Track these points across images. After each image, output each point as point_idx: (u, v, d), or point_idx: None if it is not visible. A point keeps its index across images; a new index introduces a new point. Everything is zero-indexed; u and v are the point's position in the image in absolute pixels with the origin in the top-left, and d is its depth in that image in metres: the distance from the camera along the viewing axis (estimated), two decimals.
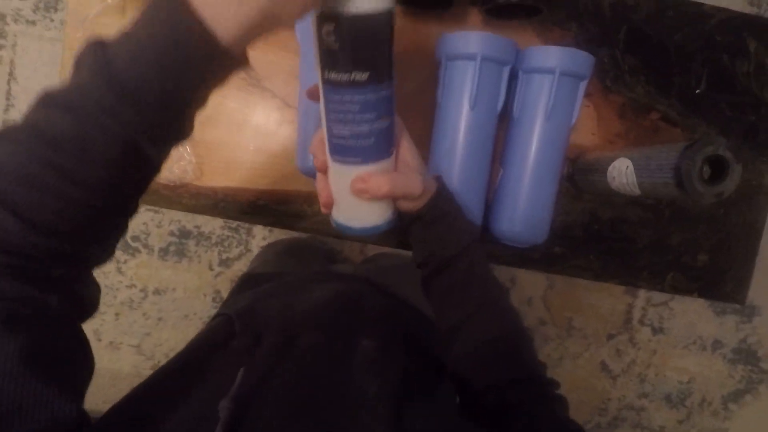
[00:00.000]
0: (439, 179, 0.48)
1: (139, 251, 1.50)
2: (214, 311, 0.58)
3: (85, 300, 0.32)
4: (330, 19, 0.30)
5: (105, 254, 0.33)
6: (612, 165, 0.54)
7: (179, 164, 0.66)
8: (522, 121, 0.57)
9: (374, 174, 0.39)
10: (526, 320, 1.57)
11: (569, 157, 0.65)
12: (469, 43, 0.53)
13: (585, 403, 1.61)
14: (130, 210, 0.33)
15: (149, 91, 0.26)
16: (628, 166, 0.51)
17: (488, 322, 0.44)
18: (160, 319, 1.54)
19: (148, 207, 1.49)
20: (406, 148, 0.42)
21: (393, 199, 0.43)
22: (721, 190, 0.44)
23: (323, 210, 0.45)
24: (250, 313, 0.45)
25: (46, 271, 0.28)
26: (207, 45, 0.26)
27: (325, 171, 0.42)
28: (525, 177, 0.57)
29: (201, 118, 0.34)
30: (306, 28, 0.56)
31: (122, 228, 0.33)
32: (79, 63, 0.27)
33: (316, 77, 0.36)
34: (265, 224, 0.68)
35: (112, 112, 0.26)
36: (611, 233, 0.69)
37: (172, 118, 0.29)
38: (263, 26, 0.27)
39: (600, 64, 0.65)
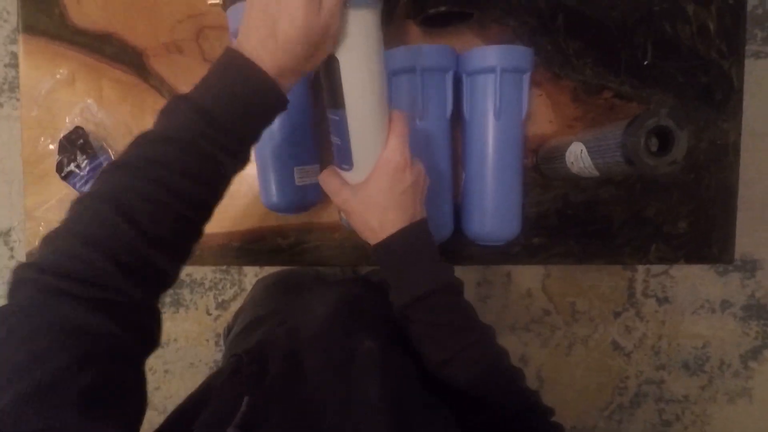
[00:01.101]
0: (416, 223, 0.44)
1: None
2: (218, 355, 0.58)
3: (153, 335, 0.36)
4: None
5: (176, 276, 0.38)
6: (568, 150, 0.55)
7: None
8: (474, 123, 0.58)
9: (327, 167, 0.48)
10: (529, 313, 1.56)
11: (532, 147, 0.65)
12: (406, 56, 0.54)
13: (603, 384, 1.59)
14: (201, 232, 0.39)
15: (230, 118, 0.35)
16: (582, 150, 0.52)
17: (467, 365, 0.43)
18: (166, 371, 1.52)
19: None
20: (372, 183, 0.43)
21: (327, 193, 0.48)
22: (672, 159, 0.44)
23: None
24: (258, 347, 0.46)
25: (130, 299, 0.32)
26: (262, 78, 0.35)
27: None
28: (486, 176, 0.57)
29: None
30: None
31: (192, 251, 0.39)
32: (167, 111, 0.35)
33: None
34: (244, 264, 0.68)
35: (204, 135, 0.34)
36: (586, 216, 0.69)
37: (243, 139, 0.37)
38: (294, 73, 0.37)
39: (545, 52, 0.66)
